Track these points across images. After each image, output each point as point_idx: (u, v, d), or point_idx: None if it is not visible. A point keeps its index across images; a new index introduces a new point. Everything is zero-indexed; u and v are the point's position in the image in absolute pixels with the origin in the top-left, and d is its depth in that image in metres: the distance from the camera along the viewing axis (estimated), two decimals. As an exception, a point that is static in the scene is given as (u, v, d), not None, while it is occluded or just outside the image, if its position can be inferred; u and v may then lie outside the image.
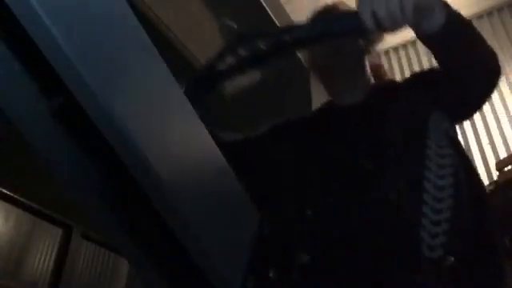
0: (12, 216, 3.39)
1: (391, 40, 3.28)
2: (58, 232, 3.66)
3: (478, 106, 1.05)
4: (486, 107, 2.79)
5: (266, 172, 1.02)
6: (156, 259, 0.68)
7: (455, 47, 0.89)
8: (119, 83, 0.56)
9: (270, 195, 0.93)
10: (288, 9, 3.07)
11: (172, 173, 0.59)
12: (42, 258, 3.51)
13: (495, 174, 2.19)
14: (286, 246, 0.82)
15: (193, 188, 0.64)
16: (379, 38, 1.08)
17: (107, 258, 3.99)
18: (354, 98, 1.04)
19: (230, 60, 0.88)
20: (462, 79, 0.94)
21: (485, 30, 3.05)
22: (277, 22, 3.13)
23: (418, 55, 3.20)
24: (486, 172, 2.58)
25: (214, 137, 0.69)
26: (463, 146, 0.95)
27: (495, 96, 2.81)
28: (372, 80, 1.08)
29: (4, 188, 3.29)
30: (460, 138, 2.89)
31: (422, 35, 0.86)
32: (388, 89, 1.06)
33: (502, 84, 2.82)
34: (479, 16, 3.10)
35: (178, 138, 0.65)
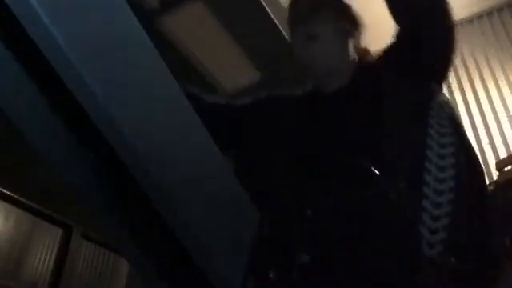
0: (12, 216, 3.39)
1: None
2: (57, 232, 3.66)
3: (443, 54, 0.98)
4: (486, 107, 2.79)
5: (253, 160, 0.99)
6: (156, 259, 0.68)
7: None
8: (119, 83, 0.56)
9: (267, 192, 0.92)
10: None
11: (172, 173, 0.59)
12: (41, 258, 3.51)
13: (495, 174, 2.19)
14: (286, 246, 0.82)
15: (193, 188, 0.64)
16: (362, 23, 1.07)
17: (107, 258, 3.98)
18: (339, 83, 1.00)
19: None
20: (414, 18, 0.93)
21: (485, 30, 3.05)
22: (277, 22, 3.13)
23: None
24: (486, 172, 2.58)
25: (195, 97, 0.66)
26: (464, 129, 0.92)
27: (495, 96, 2.80)
28: (358, 63, 1.04)
29: (4, 188, 3.29)
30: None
31: None
32: (372, 70, 1.02)
33: (502, 84, 2.82)
34: (479, 16, 3.10)
35: (178, 139, 0.65)
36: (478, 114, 2.80)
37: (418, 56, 0.93)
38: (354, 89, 0.97)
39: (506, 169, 1.98)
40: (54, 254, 3.58)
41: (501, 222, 1.55)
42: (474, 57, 2.98)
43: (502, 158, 2.34)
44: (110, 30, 0.57)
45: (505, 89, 2.79)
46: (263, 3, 2.97)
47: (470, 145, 0.92)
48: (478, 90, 2.87)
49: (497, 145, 2.64)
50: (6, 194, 3.31)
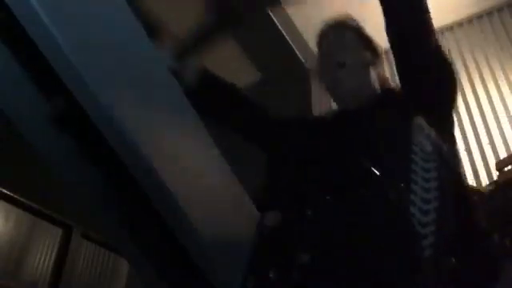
0: (12, 216, 3.39)
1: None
2: (57, 232, 3.66)
3: (440, 92, 1.04)
4: (486, 107, 2.79)
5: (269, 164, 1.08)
6: (156, 259, 0.68)
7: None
8: (119, 83, 0.56)
9: (271, 193, 0.96)
10: (289, 11, 3.06)
11: (172, 173, 0.59)
12: (41, 258, 3.50)
13: (495, 174, 2.19)
14: (286, 246, 0.82)
15: (193, 188, 0.64)
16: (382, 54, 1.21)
17: (107, 258, 3.98)
18: (360, 104, 1.10)
19: None
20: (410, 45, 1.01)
21: (485, 30, 3.05)
22: (277, 23, 3.13)
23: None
24: (486, 172, 2.58)
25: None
26: (448, 150, 0.96)
27: (495, 96, 2.80)
28: (378, 90, 1.16)
29: (4, 188, 3.29)
30: (460, 138, 2.89)
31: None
32: (384, 97, 1.14)
33: (502, 84, 2.82)
34: (479, 16, 3.10)
35: (178, 138, 0.65)
36: (478, 114, 2.79)
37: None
38: (371, 108, 1.07)
39: (506, 169, 1.98)
40: (53, 254, 3.58)
41: (501, 222, 1.55)
42: (474, 57, 2.98)
43: (502, 158, 2.34)
44: (110, 30, 0.57)
45: (505, 89, 2.79)
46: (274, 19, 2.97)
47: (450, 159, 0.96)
48: (477, 90, 2.87)
49: (497, 145, 2.64)
50: (6, 194, 3.31)
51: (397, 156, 0.89)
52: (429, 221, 0.81)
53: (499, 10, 3.06)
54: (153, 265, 0.68)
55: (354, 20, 1.28)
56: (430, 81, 1.00)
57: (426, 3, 0.99)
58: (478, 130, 2.73)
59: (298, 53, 3.40)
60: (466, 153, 2.69)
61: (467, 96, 2.88)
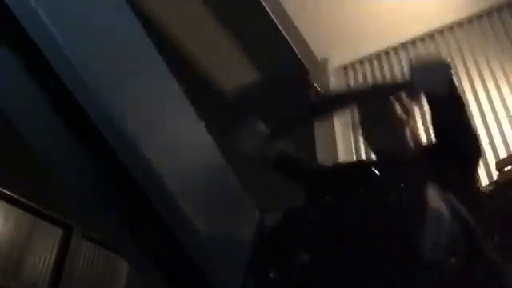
0: (12, 216, 3.39)
1: (391, 40, 3.28)
2: (57, 232, 3.66)
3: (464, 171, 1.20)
4: (486, 107, 2.79)
5: None
6: (156, 259, 0.68)
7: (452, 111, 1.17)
8: (119, 83, 0.56)
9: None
10: (287, 8, 3.06)
11: (172, 173, 0.59)
12: (41, 258, 3.50)
13: (495, 174, 2.19)
14: (286, 246, 0.82)
15: (193, 188, 0.64)
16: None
17: (107, 258, 3.98)
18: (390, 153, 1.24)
19: None
20: (452, 139, 1.16)
21: (485, 30, 3.04)
22: (276, 21, 3.13)
23: (417, 55, 3.20)
24: (486, 172, 2.58)
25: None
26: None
27: (495, 96, 2.80)
28: (411, 144, 1.30)
29: (4, 188, 3.29)
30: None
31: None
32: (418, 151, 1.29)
33: (502, 84, 2.82)
34: (479, 16, 3.10)
35: (178, 139, 0.65)
36: (478, 114, 2.79)
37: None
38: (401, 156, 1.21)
39: (505, 169, 1.98)
40: (54, 254, 3.58)
41: (500, 222, 1.54)
42: (474, 57, 2.98)
43: (501, 158, 2.34)
44: (110, 30, 0.57)
45: (505, 89, 2.79)
46: (262, 3, 2.97)
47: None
48: (477, 90, 2.87)
49: (497, 145, 2.64)
50: (6, 194, 3.31)
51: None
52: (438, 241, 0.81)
53: (499, 9, 3.06)
54: (153, 265, 0.68)
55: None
56: (460, 158, 1.15)
57: (467, 112, 1.18)
58: (478, 130, 2.74)
59: (298, 53, 3.40)
60: (465, 153, 2.68)
61: (467, 96, 2.88)
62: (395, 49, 3.34)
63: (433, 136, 1.24)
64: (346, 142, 2.95)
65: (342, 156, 2.96)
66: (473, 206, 1.03)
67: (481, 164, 2.63)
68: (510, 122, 2.68)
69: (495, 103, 2.78)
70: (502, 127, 2.69)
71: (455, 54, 3.05)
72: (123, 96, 0.55)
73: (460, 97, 1.19)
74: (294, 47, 3.36)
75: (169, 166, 0.59)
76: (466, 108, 1.21)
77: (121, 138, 0.54)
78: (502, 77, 2.85)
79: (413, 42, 3.26)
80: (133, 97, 0.58)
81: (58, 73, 0.50)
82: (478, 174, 1.27)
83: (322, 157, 3.03)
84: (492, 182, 2.03)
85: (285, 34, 3.23)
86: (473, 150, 1.20)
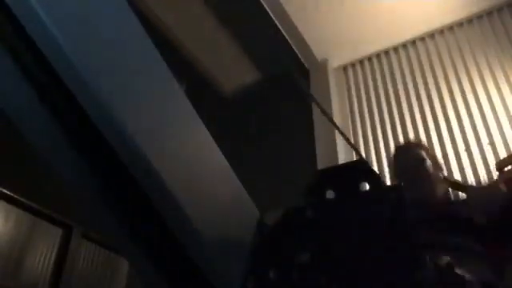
0: (12, 216, 3.39)
1: (391, 40, 3.28)
2: (57, 232, 3.66)
3: None
4: (486, 107, 2.79)
5: None
6: (156, 259, 0.68)
7: None
8: (119, 83, 0.56)
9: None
10: (287, 8, 3.07)
11: (172, 172, 0.59)
12: (41, 258, 3.51)
13: (495, 174, 2.19)
14: (286, 246, 0.82)
15: (193, 188, 0.64)
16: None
17: (107, 258, 3.99)
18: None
19: None
20: None
21: (485, 30, 3.05)
22: (276, 21, 3.13)
23: (417, 55, 3.20)
24: (486, 172, 2.58)
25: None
26: None
27: (495, 96, 2.80)
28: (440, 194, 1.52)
29: (4, 188, 3.29)
30: (460, 137, 2.89)
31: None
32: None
33: (502, 84, 2.82)
34: (479, 16, 3.10)
35: (179, 138, 0.65)
36: (478, 114, 2.80)
37: None
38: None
39: (505, 169, 1.98)
40: (54, 254, 3.58)
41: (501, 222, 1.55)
42: (474, 57, 2.98)
43: (502, 158, 2.34)
44: (111, 30, 0.57)
45: (505, 89, 2.79)
46: (262, 2, 2.97)
47: None
48: (477, 90, 2.87)
49: (497, 145, 2.64)
50: (6, 194, 3.32)
51: None
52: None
53: (499, 9, 3.06)
54: (153, 265, 0.68)
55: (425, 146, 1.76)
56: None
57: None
58: (478, 130, 2.74)
59: (298, 53, 3.40)
60: (466, 153, 2.69)
61: (467, 96, 2.88)
62: (395, 49, 3.34)
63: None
64: (346, 141, 2.95)
65: (342, 156, 2.96)
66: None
67: (481, 164, 2.64)
68: (510, 122, 2.68)
69: (495, 103, 2.79)
70: (502, 127, 2.70)
71: (455, 54, 3.05)
72: (123, 96, 0.55)
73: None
74: (294, 47, 3.36)
75: (169, 166, 0.59)
76: None
77: (121, 137, 0.53)
78: (502, 77, 2.85)
79: (413, 42, 3.26)
80: (133, 96, 0.58)
81: (58, 73, 0.50)
82: None
83: (322, 157, 3.03)
84: (492, 182, 2.03)
85: (285, 34, 3.23)
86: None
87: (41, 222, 3.57)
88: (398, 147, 1.87)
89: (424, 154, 1.67)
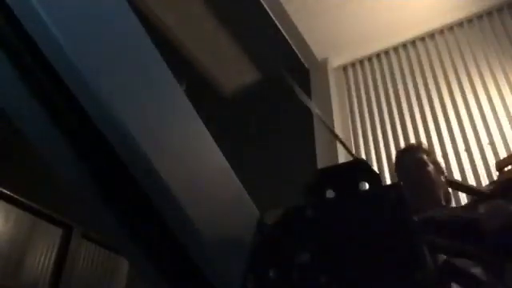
0: (12, 216, 3.39)
1: (391, 40, 3.28)
2: (58, 232, 3.66)
3: None
4: (486, 107, 2.79)
5: None
6: (156, 259, 0.68)
7: None
8: (119, 83, 0.56)
9: None
10: (287, 8, 3.07)
11: (172, 172, 0.59)
12: (41, 258, 3.51)
13: (495, 174, 2.19)
14: (286, 246, 0.82)
15: (193, 187, 0.64)
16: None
17: (107, 258, 3.99)
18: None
19: None
20: None
21: (485, 30, 3.05)
22: (276, 21, 3.13)
23: (418, 55, 3.20)
24: (486, 172, 2.58)
25: None
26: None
27: (495, 96, 2.80)
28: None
29: (4, 188, 3.29)
30: (460, 137, 2.89)
31: None
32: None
33: (502, 84, 2.82)
34: (479, 16, 3.10)
35: (179, 138, 0.65)
36: (478, 114, 2.80)
37: None
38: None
39: (505, 169, 1.98)
40: (54, 254, 3.58)
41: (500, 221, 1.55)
42: (474, 57, 2.98)
43: (502, 158, 2.34)
44: (111, 30, 0.57)
45: (505, 89, 2.80)
46: (262, 3, 2.97)
47: None
48: (478, 90, 2.88)
49: (497, 145, 2.64)
50: (6, 193, 3.32)
51: None
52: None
53: (499, 9, 3.06)
54: (153, 265, 0.68)
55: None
56: None
57: None
58: (478, 130, 2.74)
59: (298, 53, 3.40)
60: (466, 153, 2.69)
61: (467, 96, 2.88)
62: (395, 49, 3.34)
63: None
64: (345, 141, 2.96)
65: (342, 156, 2.96)
66: None
67: (481, 164, 2.64)
68: (510, 122, 2.68)
69: (495, 103, 2.79)
70: (502, 127, 2.70)
71: (455, 54, 3.05)
72: (123, 96, 0.56)
73: None
74: (294, 47, 3.37)
75: (169, 166, 0.59)
76: None
77: (121, 137, 0.54)
78: (503, 77, 2.85)
79: (413, 42, 3.27)
80: (133, 96, 0.58)
81: (58, 73, 0.50)
82: None
83: (322, 157, 3.03)
84: (492, 182, 2.04)
85: (285, 34, 3.24)
86: None
87: (41, 222, 3.58)
88: (399, 152, 1.86)
89: (425, 157, 1.68)
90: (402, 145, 2.81)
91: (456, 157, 2.70)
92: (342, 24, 3.18)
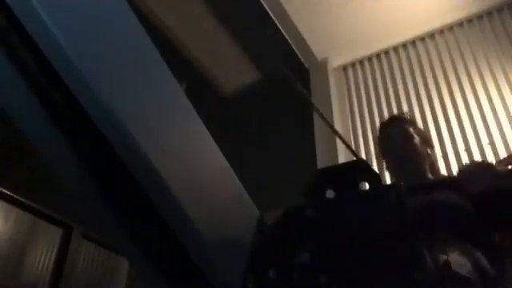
0: (12, 216, 3.39)
1: (391, 40, 3.28)
2: (58, 232, 3.66)
3: None
4: (486, 107, 2.79)
5: None
6: (156, 259, 0.68)
7: None
8: (120, 83, 0.56)
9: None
10: (287, 8, 3.07)
11: (172, 172, 0.59)
12: (41, 258, 3.51)
13: (495, 174, 2.19)
14: (286, 246, 0.82)
15: (193, 187, 0.64)
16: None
17: (107, 258, 3.99)
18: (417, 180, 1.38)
19: None
20: None
21: (485, 30, 3.05)
22: (276, 21, 3.13)
23: (418, 55, 3.20)
24: (486, 172, 2.58)
25: None
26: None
27: (495, 96, 2.80)
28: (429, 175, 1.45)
29: (4, 188, 3.29)
30: (460, 138, 2.89)
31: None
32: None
33: (502, 84, 2.82)
34: (479, 16, 3.10)
35: (179, 138, 0.65)
36: (478, 114, 2.80)
37: None
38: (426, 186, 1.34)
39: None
40: (54, 254, 3.58)
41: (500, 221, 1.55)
42: (474, 57, 2.98)
43: (501, 158, 2.34)
44: (111, 30, 0.57)
45: (505, 89, 2.79)
46: (262, 2, 2.97)
47: None
48: (478, 90, 2.87)
49: (497, 145, 2.64)
50: (6, 193, 3.32)
51: None
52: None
53: (499, 9, 3.06)
54: (153, 265, 0.68)
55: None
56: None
57: None
58: (478, 130, 2.74)
59: (298, 53, 3.40)
60: (466, 153, 2.69)
61: (467, 96, 2.88)
62: (395, 49, 3.34)
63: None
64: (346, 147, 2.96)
65: (343, 156, 2.96)
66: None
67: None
68: (510, 122, 2.68)
69: (495, 103, 2.79)
70: (502, 127, 2.70)
71: (455, 54, 3.05)
72: (123, 96, 0.56)
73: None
74: (294, 47, 3.36)
75: (169, 166, 0.59)
76: None
77: (121, 137, 0.53)
78: (503, 77, 2.85)
79: (413, 42, 3.26)
80: (133, 96, 0.58)
81: (58, 73, 0.50)
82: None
83: (321, 157, 3.03)
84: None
85: (285, 34, 3.24)
86: None
87: (41, 222, 3.58)
88: (383, 123, 1.72)
89: (411, 130, 1.55)
90: (402, 145, 2.81)
91: (456, 157, 2.70)
92: (342, 24, 3.18)
